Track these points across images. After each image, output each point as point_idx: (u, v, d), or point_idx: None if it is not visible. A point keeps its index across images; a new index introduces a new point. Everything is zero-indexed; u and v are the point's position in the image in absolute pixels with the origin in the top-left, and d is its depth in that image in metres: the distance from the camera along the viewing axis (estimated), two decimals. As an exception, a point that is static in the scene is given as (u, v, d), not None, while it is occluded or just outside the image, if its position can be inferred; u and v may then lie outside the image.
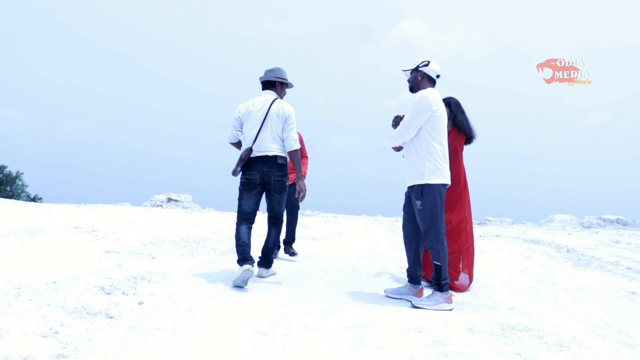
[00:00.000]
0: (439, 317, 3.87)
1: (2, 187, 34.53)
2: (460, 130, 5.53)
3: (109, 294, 3.87)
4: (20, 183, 35.85)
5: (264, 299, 4.17)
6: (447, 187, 4.46)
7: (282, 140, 5.18)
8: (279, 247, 7.01)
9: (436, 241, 4.32)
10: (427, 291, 4.75)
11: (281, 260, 6.62)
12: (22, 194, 35.25)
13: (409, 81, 4.67)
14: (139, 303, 3.76)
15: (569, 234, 12.30)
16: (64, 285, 3.94)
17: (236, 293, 4.30)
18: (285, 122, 5.17)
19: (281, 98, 5.35)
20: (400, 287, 4.64)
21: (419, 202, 4.36)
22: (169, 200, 23.80)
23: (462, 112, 5.62)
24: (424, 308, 4.20)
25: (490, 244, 9.79)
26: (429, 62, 4.54)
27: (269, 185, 5.16)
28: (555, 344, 3.35)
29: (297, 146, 5.10)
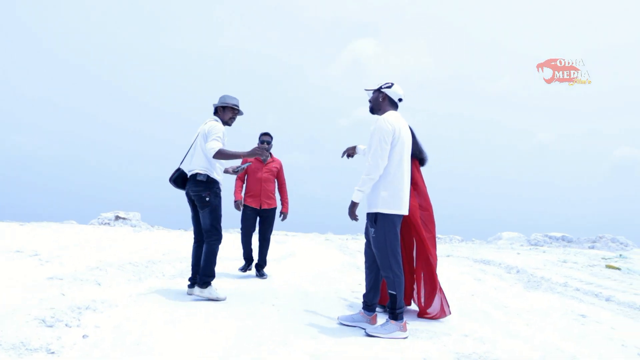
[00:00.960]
0: (395, 347, 3.81)
1: (-60, 204, 33.34)
2: (413, 155, 5.53)
3: (51, 326, 3.68)
4: (-41, 200, 34.65)
5: (214, 329, 4.03)
6: (402, 217, 4.40)
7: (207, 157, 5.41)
8: (259, 268, 7.39)
9: (390, 270, 4.24)
10: (381, 319, 4.68)
11: (236, 279, 6.46)
12: (-39, 212, 34.12)
13: (370, 101, 4.58)
14: (83, 336, 3.59)
15: (518, 253, 12.48)
16: (1, 318, 3.74)
17: (185, 323, 4.15)
18: (206, 137, 5.41)
19: (226, 121, 5.62)
20: (354, 315, 4.56)
21: (372, 230, 4.30)
22: (117, 218, 23.28)
23: (414, 135, 5.62)
24: (378, 337, 4.12)
25: (442, 265, 9.83)
26: (392, 84, 4.45)
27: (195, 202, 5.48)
28: (510, 374, 3.34)
29: (212, 153, 5.21)
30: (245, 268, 7.56)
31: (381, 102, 4.47)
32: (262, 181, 7.47)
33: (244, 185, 7.59)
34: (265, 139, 7.55)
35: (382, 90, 4.46)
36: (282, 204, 7.66)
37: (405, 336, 4.18)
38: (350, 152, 5.09)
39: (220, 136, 5.33)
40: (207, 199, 5.38)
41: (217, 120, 5.52)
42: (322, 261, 9.78)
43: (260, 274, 7.41)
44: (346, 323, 4.50)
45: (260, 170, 7.50)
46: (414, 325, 4.66)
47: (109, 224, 22.63)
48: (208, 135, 5.36)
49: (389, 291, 4.26)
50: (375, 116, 4.51)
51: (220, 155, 5.21)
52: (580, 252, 12.64)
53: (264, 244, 7.57)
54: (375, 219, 4.26)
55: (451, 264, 10.29)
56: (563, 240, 25.69)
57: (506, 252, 12.86)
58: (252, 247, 7.63)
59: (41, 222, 22.58)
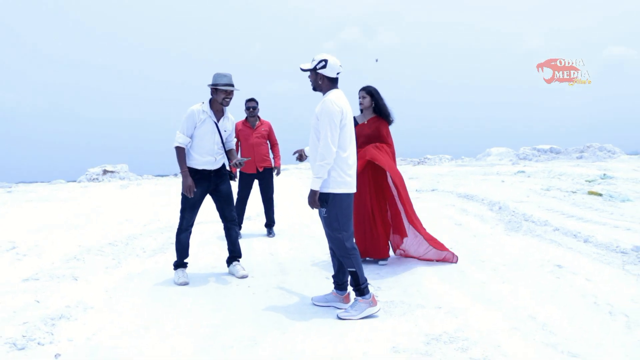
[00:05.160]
0: (364, 335, 3.83)
1: None
2: (381, 116, 5.72)
3: (22, 349, 3.68)
4: (-53, 165, 34.43)
5: (187, 329, 4.04)
6: (352, 195, 4.38)
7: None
8: (269, 227, 7.95)
9: (344, 249, 4.26)
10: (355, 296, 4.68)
11: (218, 254, 6.46)
12: (-50, 176, 33.93)
13: (309, 79, 4.45)
14: (55, 356, 3.60)
15: (503, 181, 12.51)
16: (-29, 344, 3.74)
17: (160, 325, 4.14)
18: None
19: (220, 102, 5.34)
20: (327, 295, 4.59)
21: (323, 210, 4.27)
22: (105, 172, 23.24)
23: (382, 98, 5.76)
24: (349, 319, 4.15)
25: (424, 205, 9.84)
26: (326, 61, 4.24)
27: None
28: (479, 358, 3.37)
29: (173, 144, 5.32)
30: None
31: (321, 83, 4.33)
32: (255, 146, 7.66)
33: (239, 154, 7.73)
34: (251, 105, 7.72)
35: (317, 71, 4.30)
36: (274, 160, 7.90)
37: (376, 310, 4.23)
38: (301, 155, 4.96)
39: (186, 126, 5.27)
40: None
41: (202, 103, 5.36)
42: (304, 207, 9.77)
43: (269, 232, 7.93)
44: (319, 304, 4.54)
45: (251, 136, 7.69)
46: (389, 295, 4.71)
47: (97, 179, 22.61)
48: None
49: (348, 269, 4.27)
50: (319, 93, 4.43)
51: (176, 151, 5.30)
52: (565, 173, 12.65)
53: (269, 205, 7.93)
54: (326, 200, 4.23)
55: (434, 201, 10.32)
56: (551, 152, 25.82)
57: (491, 180, 12.88)
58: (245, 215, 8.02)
59: (29, 184, 22.56)
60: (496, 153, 27.65)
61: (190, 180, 5.22)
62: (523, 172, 14.29)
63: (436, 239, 5.77)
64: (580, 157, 23.44)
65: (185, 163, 5.27)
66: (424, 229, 5.77)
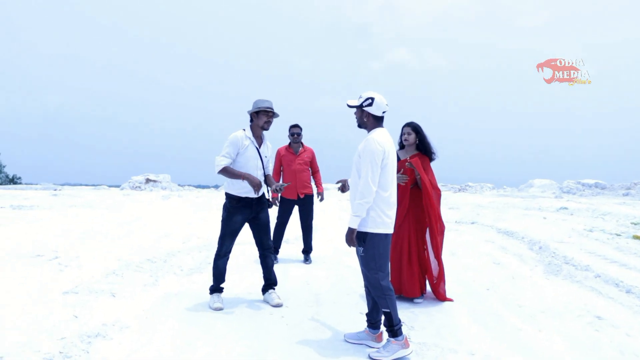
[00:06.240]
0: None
1: (-21, 169, 34.16)
2: (425, 153, 5.70)
3: (58, 365, 3.77)
4: (-3, 163, 35.47)
5: (220, 356, 4.06)
6: (390, 235, 4.35)
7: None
8: (306, 254, 8.02)
9: (380, 289, 4.23)
10: (386, 334, 4.65)
11: (250, 279, 6.51)
12: (1, 175, 34.95)
13: (355, 116, 4.49)
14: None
15: (545, 217, 12.30)
16: (11, 357, 3.83)
17: (193, 350, 4.19)
18: None
19: (262, 126, 5.45)
20: (359, 332, 4.57)
21: (361, 249, 4.27)
22: (148, 181, 23.62)
23: (426, 135, 5.75)
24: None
25: (463, 239, 9.75)
26: (373, 99, 4.28)
27: None
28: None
29: (216, 170, 5.29)
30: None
31: (366, 120, 4.35)
32: (297, 172, 7.76)
33: (281, 179, 7.91)
34: (295, 131, 7.83)
35: (364, 108, 4.33)
36: (317, 186, 8.02)
37: (408, 352, 4.19)
38: (344, 185, 5.02)
39: (229, 151, 5.29)
40: (223, 212, 5.49)
41: (244, 130, 5.44)
42: (342, 234, 9.77)
43: (306, 259, 7.96)
44: (352, 341, 4.52)
45: (294, 162, 7.79)
46: (421, 336, 4.65)
47: (139, 187, 23.00)
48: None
49: (383, 310, 4.25)
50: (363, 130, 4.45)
51: (223, 173, 5.28)
52: (610, 213, 12.37)
53: (308, 231, 7.99)
54: (364, 239, 4.23)
55: (473, 236, 10.19)
56: (596, 187, 25.31)
57: (533, 216, 12.68)
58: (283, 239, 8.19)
59: (74, 186, 23.11)
60: (539, 185, 27.26)
61: (255, 177, 5.23)
62: (566, 208, 14.01)
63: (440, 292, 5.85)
64: (627, 194, 22.90)
65: (238, 172, 5.25)
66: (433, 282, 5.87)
